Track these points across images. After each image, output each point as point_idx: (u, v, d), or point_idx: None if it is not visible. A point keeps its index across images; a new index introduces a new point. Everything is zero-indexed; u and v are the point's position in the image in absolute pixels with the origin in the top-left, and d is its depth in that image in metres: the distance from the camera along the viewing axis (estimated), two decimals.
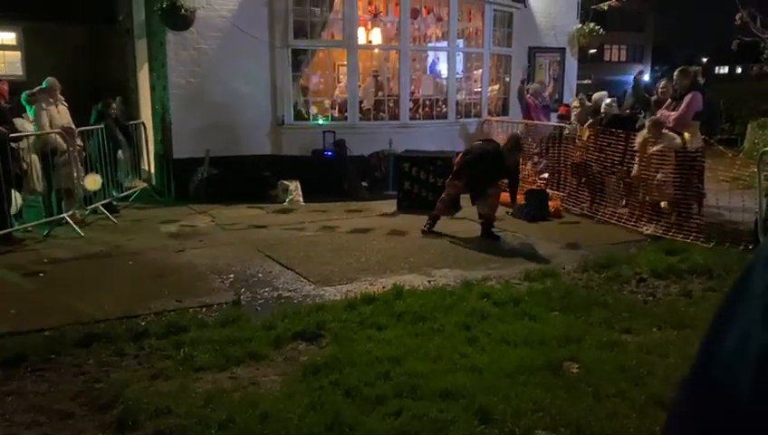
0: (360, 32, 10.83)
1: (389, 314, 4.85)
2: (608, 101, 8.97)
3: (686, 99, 7.73)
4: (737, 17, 12.29)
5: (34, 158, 7.91)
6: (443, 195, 7.87)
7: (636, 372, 3.91)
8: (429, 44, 12.07)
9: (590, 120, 8.78)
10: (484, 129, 11.43)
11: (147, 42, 10.79)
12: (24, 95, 8.06)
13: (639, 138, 7.83)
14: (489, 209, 7.62)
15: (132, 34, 11.84)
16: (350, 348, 4.22)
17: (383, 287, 5.62)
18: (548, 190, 9.22)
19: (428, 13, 11.48)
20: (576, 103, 11.63)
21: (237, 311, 5.01)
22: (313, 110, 10.85)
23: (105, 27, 13.43)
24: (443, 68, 11.66)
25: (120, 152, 9.15)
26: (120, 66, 12.94)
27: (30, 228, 7.59)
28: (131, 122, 10.06)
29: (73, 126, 8.20)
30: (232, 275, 6.04)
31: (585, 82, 14.42)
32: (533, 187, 9.38)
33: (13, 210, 7.37)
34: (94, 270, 6.25)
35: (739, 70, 56.30)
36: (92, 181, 8.32)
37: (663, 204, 7.78)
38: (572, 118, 10.81)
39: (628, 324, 4.77)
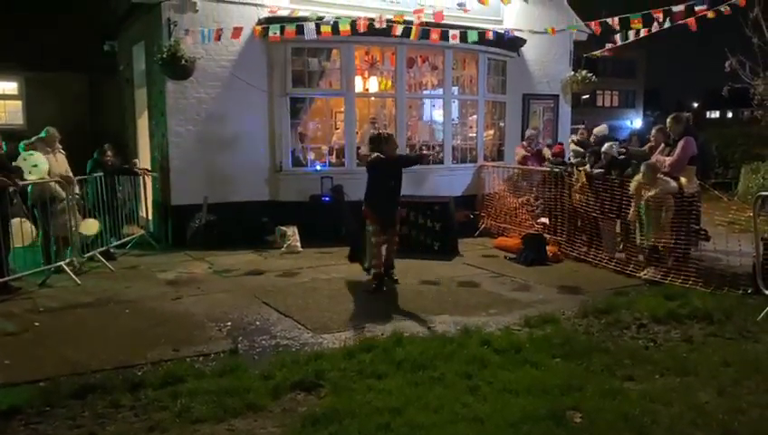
0: (358, 80, 11.01)
1: (389, 362, 4.80)
2: (608, 144, 9.07)
3: (681, 144, 7.83)
4: (727, 64, 12.57)
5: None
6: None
7: (639, 422, 3.85)
8: (425, 92, 12.26)
9: (596, 168, 8.83)
10: (482, 174, 11.52)
11: (147, 90, 10.95)
12: (22, 144, 8.13)
13: (634, 183, 7.89)
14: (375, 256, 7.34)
15: (132, 83, 12.02)
16: (349, 398, 4.16)
17: (382, 334, 5.58)
18: (545, 235, 9.23)
19: (424, 62, 11.71)
20: (574, 138, 11.88)
21: (235, 360, 4.95)
22: (311, 156, 10.94)
23: (105, 77, 13.64)
24: (438, 114, 11.82)
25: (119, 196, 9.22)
26: (119, 114, 13.10)
27: (26, 277, 7.53)
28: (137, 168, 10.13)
29: (71, 174, 8.25)
30: (229, 323, 5.99)
31: (578, 127, 14.61)
32: (531, 231, 9.40)
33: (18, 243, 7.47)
34: (90, 319, 6.19)
35: (730, 114, 57.23)
36: (89, 226, 8.32)
37: (661, 247, 7.79)
38: (570, 150, 10.93)
39: (630, 371, 4.72)
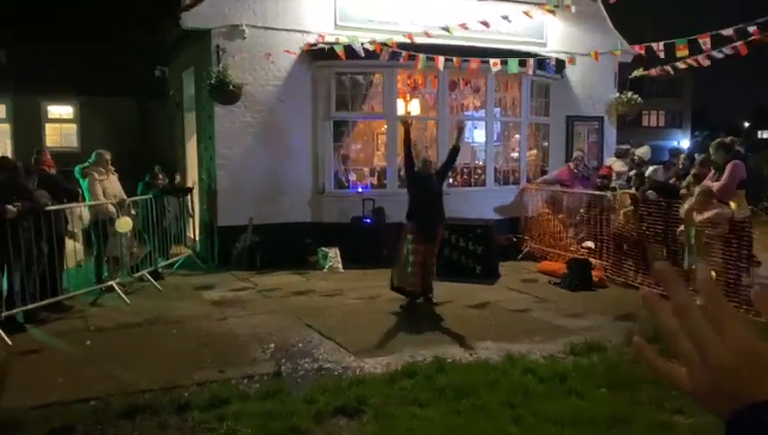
0: (400, 103, 11.11)
1: (431, 389, 4.79)
2: (651, 168, 8.91)
3: (728, 167, 7.65)
4: None
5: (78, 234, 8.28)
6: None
7: None
8: (467, 114, 12.28)
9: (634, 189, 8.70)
10: (524, 196, 11.44)
11: (196, 115, 11.27)
12: (77, 169, 8.46)
13: (685, 205, 7.72)
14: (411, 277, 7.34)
15: (182, 108, 12.38)
16: (392, 425, 4.17)
17: (424, 360, 5.56)
18: (591, 259, 9.08)
19: (466, 84, 11.74)
20: (613, 160, 11.70)
21: (278, 383, 5.01)
22: (353, 178, 11.05)
23: (156, 101, 14.10)
24: (480, 136, 11.82)
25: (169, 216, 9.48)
26: (169, 137, 13.49)
27: (78, 296, 7.78)
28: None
29: (125, 196, 8.52)
30: (272, 345, 6.07)
31: (624, 147, 14.36)
32: (576, 256, 9.27)
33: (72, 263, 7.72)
34: (139, 338, 6.36)
35: None
36: (122, 223, 8.44)
37: (712, 273, 7.58)
38: (614, 175, 10.75)
39: (680, 404, 4.58)
